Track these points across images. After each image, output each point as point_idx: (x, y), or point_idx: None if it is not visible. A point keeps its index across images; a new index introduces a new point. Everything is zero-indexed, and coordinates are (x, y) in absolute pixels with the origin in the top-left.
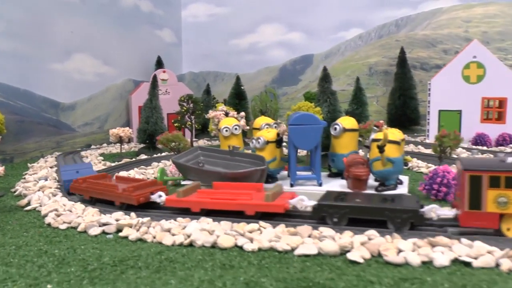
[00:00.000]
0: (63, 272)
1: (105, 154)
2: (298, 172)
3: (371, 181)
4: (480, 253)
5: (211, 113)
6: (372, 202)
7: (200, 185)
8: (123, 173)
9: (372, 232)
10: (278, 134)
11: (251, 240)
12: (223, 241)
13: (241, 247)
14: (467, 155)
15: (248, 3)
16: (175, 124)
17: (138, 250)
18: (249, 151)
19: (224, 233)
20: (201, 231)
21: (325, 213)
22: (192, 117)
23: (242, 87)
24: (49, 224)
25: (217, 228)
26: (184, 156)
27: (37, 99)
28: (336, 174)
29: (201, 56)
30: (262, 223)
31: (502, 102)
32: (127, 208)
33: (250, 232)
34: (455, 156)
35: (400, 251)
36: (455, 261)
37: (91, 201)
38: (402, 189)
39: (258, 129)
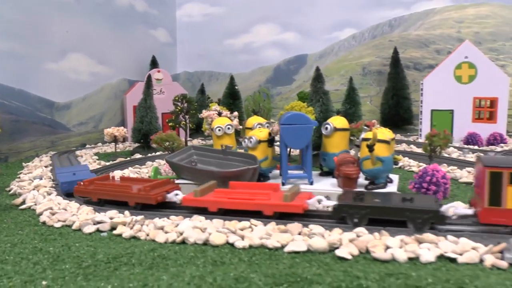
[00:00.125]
0: (58, 269)
1: (100, 154)
2: (289, 171)
3: (361, 179)
4: (465, 249)
5: (204, 113)
6: (391, 202)
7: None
8: (117, 172)
9: (360, 229)
10: (270, 134)
11: (242, 237)
12: (215, 239)
13: (232, 244)
14: (458, 154)
15: (243, 3)
16: (170, 124)
17: (131, 247)
18: (242, 150)
19: (216, 231)
20: (193, 228)
21: (345, 214)
22: (187, 116)
23: (236, 87)
24: (44, 223)
25: (209, 226)
26: (178, 155)
27: (32, 98)
28: (327, 173)
29: (195, 56)
30: (253, 221)
31: (493, 102)
32: (142, 208)
33: (242, 229)
34: (447, 155)
35: (387, 247)
36: (441, 257)
37: (99, 203)
38: (392, 188)
39: (251, 128)
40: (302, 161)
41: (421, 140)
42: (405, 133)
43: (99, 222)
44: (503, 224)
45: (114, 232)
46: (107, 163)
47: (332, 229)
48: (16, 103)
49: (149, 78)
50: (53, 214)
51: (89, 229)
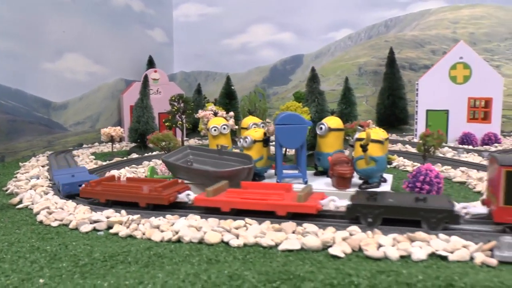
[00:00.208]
0: (55, 267)
1: (96, 153)
2: (284, 171)
3: (356, 179)
4: (456, 247)
5: (200, 113)
6: (405, 202)
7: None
8: (114, 172)
9: (354, 228)
10: (265, 134)
11: (237, 236)
12: (210, 237)
13: (227, 243)
14: (452, 154)
15: (239, 3)
16: (166, 124)
17: (127, 246)
18: (238, 150)
19: (211, 230)
20: (188, 227)
21: (359, 213)
22: (183, 116)
23: (233, 87)
24: (41, 222)
25: (205, 225)
26: (174, 155)
27: (29, 98)
28: (322, 173)
29: (192, 55)
30: (248, 220)
31: (487, 102)
32: (154, 208)
33: (236, 228)
34: (441, 155)
35: (380, 246)
36: (432, 255)
37: (107, 204)
38: (385, 187)
39: (246, 128)
40: (297, 161)
41: (416, 140)
42: (401, 133)
43: (95, 221)
44: None
45: (111, 231)
46: (104, 163)
47: (325, 228)
48: (12, 102)
49: (145, 78)
50: (50, 213)
51: (85, 228)
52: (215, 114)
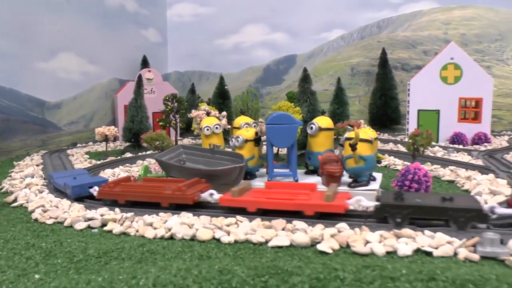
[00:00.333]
0: (50, 263)
1: (91, 153)
2: (275, 169)
3: (345, 177)
4: (440, 243)
5: (193, 113)
6: (433, 202)
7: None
8: (108, 171)
9: (342, 225)
10: (256, 133)
11: (228, 233)
12: (202, 234)
13: (218, 240)
14: (442, 154)
15: (233, 4)
16: (160, 123)
17: (121, 243)
18: (230, 149)
19: (203, 227)
20: (181, 224)
21: (387, 214)
22: (177, 116)
23: (226, 87)
24: (36, 220)
25: (197, 222)
26: (167, 154)
27: (23, 97)
28: (313, 171)
29: (186, 55)
30: (239, 217)
31: (478, 102)
32: (176, 208)
33: (228, 225)
34: (432, 154)
35: (367, 242)
36: (418, 251)
37: (126, 205)
38: (374, 185)
39: (238, 128)
40: (288, 160)
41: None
42: (393, 132)
43: (90, 219)
44: None
45: (105, 228)
46: (98, 162)
47: (314, 225)
48: (6, 102)
49: (139, 77)
50: (45, 211)
51: (80, 225)
52: (208, 114)
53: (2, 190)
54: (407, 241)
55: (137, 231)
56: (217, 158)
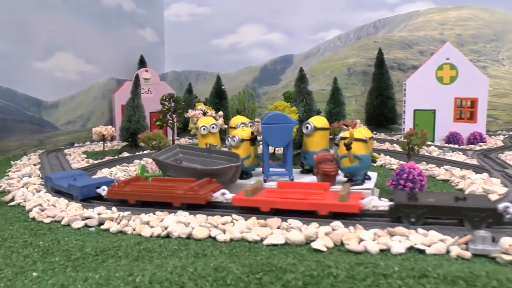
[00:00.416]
0: (47, 261)
1: (88, 152)
2: (271, 169)
3: (340, 177)
4: (433, 241)
5: (190, 112)
6: (448, 202)
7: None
8: (105, 170)
9: (336, 223)
10: (252, 133)
11: (224, 231)
12: (198, 233)
13: (214, 238)
14: (438, 153)
15: (230, 4)
16: (157, 123)
17: (118, 241)
18: (226, 149)
19: (199, 225)
20: (177, 223)
21: (401, 213)
22: (174, 116)
23: (223, 87)
24: (33, 218)
25: (193, 221)
26: (164, 154)
27: (20, 97)
28: (308, 171)
29: (183, 55)
30: (235, 215)
31: (473, 102)
32: (188, 208)
33: (223, 224)
34: (427, 154)
35: (361, 240)
36: (411, 248)
37: (136, 205)
38: (369, 185)
39: (234, 127)
40: (284, 159)
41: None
42: (390, 132)
43: (87, 218)
44: None
45: (102, 227)
46: (96, 162)
47: (309, 223)
48: (3, 101)
49: (137, 77)
50: (42, 210)
51: (77, 224)
52: (204, 114)
53: (0, 190)
54: (401, 239)
55: (134, 229)
56: (213, 157)
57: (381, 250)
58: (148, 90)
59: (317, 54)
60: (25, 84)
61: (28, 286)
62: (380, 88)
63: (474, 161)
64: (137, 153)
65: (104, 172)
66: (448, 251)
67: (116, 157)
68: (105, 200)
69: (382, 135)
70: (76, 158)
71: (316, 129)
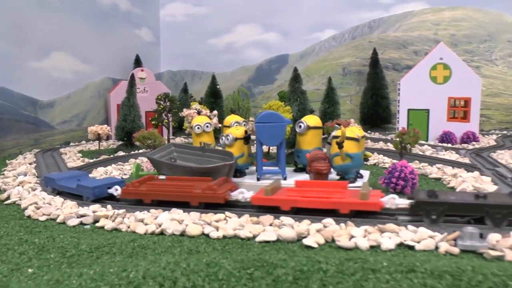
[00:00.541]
0: (43, 258)
1: (83, 151)
2: (265, 167)
3: (333, 175)
4: (422, 237)
5: (185, 112)
6: (469, 199)
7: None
8: (101, 169)
9: (328, 220)
10: (246, 132)
11: (217, 228)
12: (191, 230)
13: (207, 235)
14: (431, 152)
15: (225, 4)
16: (153, 122)
17: (113, 238)
18: (220, 148)
19: (193, 223)
20: (171, 220)
21: (422, 211)
22: (169, 115)
23: (218, 86)
24: (29, 216)
25: (186, 218)
26: (158, 152)
27: (15, 96)
28: (302, 169)
29: (179, 55)
30: (228, 213)
31: (467, 102)
32: (205, 207)
33: (217, 221)
34: (421, 153)
35: (352, 237)
36: (401, 245)
37: (151, 204)
38: (361, 183)
39: (228, 126)
40: (277, 158)
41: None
42: (384, 131)
43: (82, 216)
44: None
45: (97, 224)
46: (91, 161)
47: (301, 220)
48: None
49: (132, 77)
50: (38, 208)
51: (73, 222)
52: (199, 113)
53: None
54: (391, 236)
55: (129, 227)
56: (207, 156)
57: (372, 247)
58: (144, 89)
59: (312, 54)
60: (21, 84)
61: (23, 282)
62: (375, 87)
63: (466, 160)
64: (132, 152)
65: (99, 171)
66: (437, 247)
67: (111, 156)
68: (118, 200)
69: (377, 135)
70: (72, 157)
71: (309, 128)
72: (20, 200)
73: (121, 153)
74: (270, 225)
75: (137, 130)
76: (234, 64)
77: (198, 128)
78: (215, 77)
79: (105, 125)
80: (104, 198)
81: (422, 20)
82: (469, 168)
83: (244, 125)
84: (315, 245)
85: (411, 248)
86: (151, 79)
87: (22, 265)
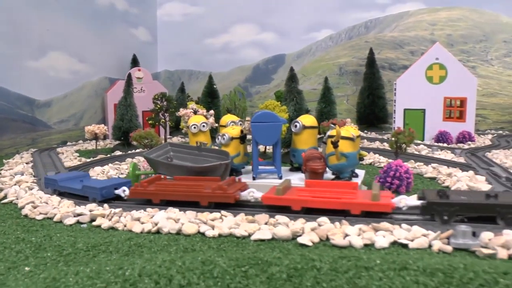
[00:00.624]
0: (40, 257)
1: (80, 151)
2: (260, 166)
3: (328, 174)
4: (416, 236)
5: (181, 111)
6: (480, 199)
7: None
8: (98, 169)
9: (323, 219)
10: (242, 131)
11: (213, 227)
12: (187, 228)
13: (203, 234)
14: (427, 152)
15: (222, 3)
16: (150, 122)
17: (109, 237)
18: (216, 147)
19: (188, 221)
20: (167, 219)
21: (434, 211)
22: (166, 114)
23: (215, 86)
24: (26, 215)
25: (182, 217)
26: (155, 152)
27: (12, 96)
28: (297, 169)
29: (176, 54)
30: (223, 212)
31: (462, 102)
32: (215, 207)
33: (212, 220)
34: (416, 152)
35: (346, 235)
36: (395, 243)
37: (160, 204)
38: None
39: (225, 126)
40: (273, 157)
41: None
42: (380, 131)
43: (79, 214)
44: None
45: (94, 223)
46: (88, 160)
47: (296, 219)
48: None
49: (129, 76)
50: (34, 207)
51: (69, 221)
52: (195, 112)
53: None
54: (385, 234)
55: (125, 225)
56: (203, 155)
57: (366, 245)
58: (141, 89)
59: (309, 54)
60: (17, 83)
61: (20, 280)
62: (371, 87)
63: (462, 160)
64: (129, 152)
65: (96, 171)
66: (430, 246)
67: (108, 155)
68: (124, 201)
69: (373, 134)
70: (69, 157)
71: (304, 127)
72: (17, 199)
73: (118, 153)
74: (266, 223)
75: (134, 130)
76: (231, 64)
77: (195, 127)
78: (212, 77)
79: (102, 125)
80: (111, 199)
81: (419, 20)
82: (464, 167)
83: (240, 124)
84: (310, 244)
85: (405, 246)
86: (148, 78)
87: (19, 264)
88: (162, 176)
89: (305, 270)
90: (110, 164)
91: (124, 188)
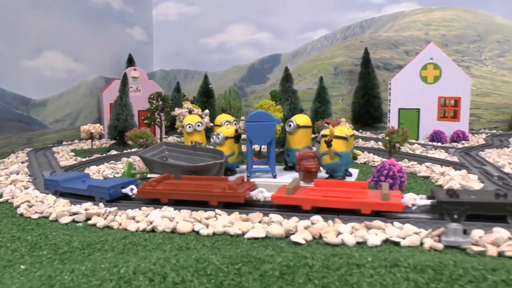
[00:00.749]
0: (35, 255)
1: (76, 150)
2: (255, 166)
3: (322, 173)
4: (408, 234)
5: (176, 111)
6: (488, 198)
7: None
8: (93, 168)
9: (316, 217)
10: (236, 130)
11: (207, 225)
12: (182, 227)
13: (197, 232)
14: (421, 151)
15: (218, 3)
16: (145, 121)
17: (105, 235)
18: (211, 146)
19: (183, 220)
20: (162, 218)
21: (444, 210)
22: (162, 114)
23: (210, 85)
24: (21, 214)
25: (177, 216)
26: (150, 151)
27: (7, 95)
28: (291, 168)
29: (172, 54)
30: (218, 210)
31: (457, 101)
32: (225, 206)
33: (207, 219)
34: (411, 151)
35: (339, 233)
36: (387, 241)
37: (168, 203)
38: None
39: (219, 125)
40: (267, 156)
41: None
42: (375, 130)
43: (74, 213)
44: None
45: (89, 222)
46: (84, 159)
47: (290, 217)
48: None
49: (125, 76)
50: (30, 206)
51: (65, 219)
52: (190, 112)
53: None
54: (377, 232)
55: (120, 224)
56: (198, 154)
57: (358, 243)
58: (137, 88)
59: (304, 54)
60: (13, 82)
61: (16, 278)
62: (366, 87)
63: (455, 159)
64: (125, 151)
65: (92, 170)
66: (422, 243)
67: (104, 155)
68: (132, 200)
69: (368, 134)
70: (65, 156)
71: (298, 127)
72: (13, 198)
73: (113, 152)
74: (259, 222)
75: (130, 129)
76: (227, 64)
77: (190, 127)
78: (208, 77)
79: (98, 124)
80: (120, 198)
81: (413, 21)
82: (457, 166)
83: (235, 124)
84: (303, 242)
85: (397, 244)
86: (143, 78)
87: (15, 262)
88: (171, 176)
89: (298, 267)
90: (105, 164)
91: (132, 186)
